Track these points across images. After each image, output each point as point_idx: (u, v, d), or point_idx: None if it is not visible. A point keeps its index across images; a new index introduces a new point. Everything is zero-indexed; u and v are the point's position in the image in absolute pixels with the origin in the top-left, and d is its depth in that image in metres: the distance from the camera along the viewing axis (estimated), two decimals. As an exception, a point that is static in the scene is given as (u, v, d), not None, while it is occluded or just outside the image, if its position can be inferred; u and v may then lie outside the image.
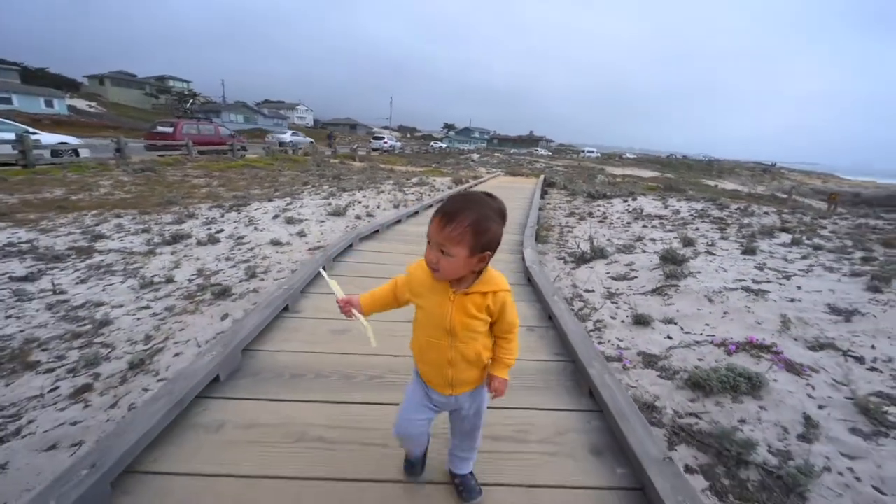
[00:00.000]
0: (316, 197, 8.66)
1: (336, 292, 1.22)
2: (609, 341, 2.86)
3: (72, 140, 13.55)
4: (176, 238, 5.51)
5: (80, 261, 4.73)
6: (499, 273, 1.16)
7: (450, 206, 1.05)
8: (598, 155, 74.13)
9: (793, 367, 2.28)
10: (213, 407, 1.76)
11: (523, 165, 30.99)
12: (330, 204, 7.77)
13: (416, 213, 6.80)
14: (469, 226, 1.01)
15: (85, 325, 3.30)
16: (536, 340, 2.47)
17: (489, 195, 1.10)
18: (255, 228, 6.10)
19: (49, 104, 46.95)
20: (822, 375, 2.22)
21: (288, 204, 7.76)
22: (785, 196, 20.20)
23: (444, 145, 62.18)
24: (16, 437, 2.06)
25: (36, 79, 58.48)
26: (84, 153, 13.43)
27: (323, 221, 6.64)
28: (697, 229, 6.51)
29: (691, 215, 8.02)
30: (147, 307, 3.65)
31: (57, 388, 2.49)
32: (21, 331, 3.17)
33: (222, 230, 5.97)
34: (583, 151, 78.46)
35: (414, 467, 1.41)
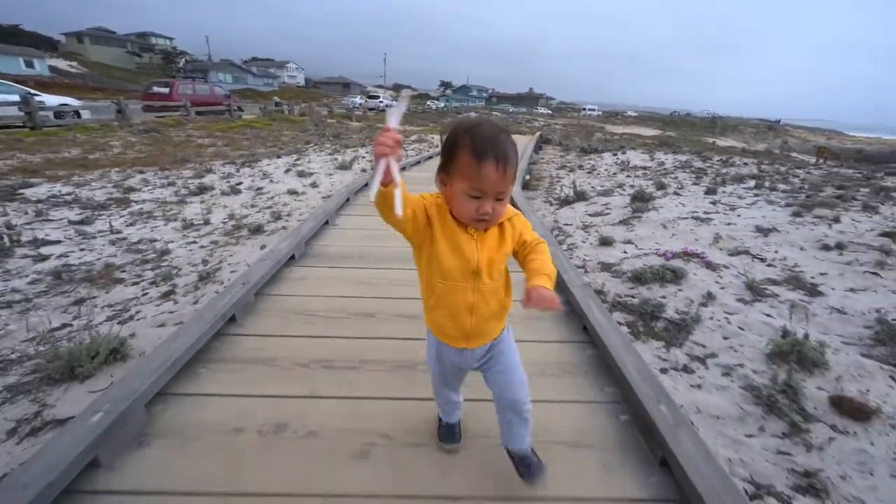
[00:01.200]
0: (321, 153, 9.17)
1: (393, 121, 0.85)
2: (578, 256, 3.60)
3: (73, 102, 13.74)
4: (201, 189, 6.11)
5: (121, 209, 5.36)
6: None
7: (500, 149, 0.92)
8: (600, 113, 73.00)
9: (711, 266, 3.03)
10: (231, 342, 2.11)
11: (521, 124, 30.91)
12: (336, 159, 8.31)
13: (419, 162, 7.47)
14: (516, 161, 0.96)
15: (148, 254, 4.00)
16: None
17: (484, 119, 1.07)
18: (271, 181, 6.69)
19: (29, 65, 45.35)
20: (731, 270, 2.97)
21: (296, 160, 8.29)
22: (777, 152, 20.60)
23: (441, 104, 60.95)
24: (133, 320, 2.80)
25: (9, 37, 55.81)
26: (85, 115, 13.65)
27: (331, 174, 7.23)
28: (676, 178, 7.13)
29: (674, 166, 8.61)
30: (194, 242, 4.34)
31: (147, 293, 3.22)
32: (98, 259, 3.86)
33: (241, 183, 6.57)
34: (584, 110, 77.09)
35: (452, 433, 1.38)
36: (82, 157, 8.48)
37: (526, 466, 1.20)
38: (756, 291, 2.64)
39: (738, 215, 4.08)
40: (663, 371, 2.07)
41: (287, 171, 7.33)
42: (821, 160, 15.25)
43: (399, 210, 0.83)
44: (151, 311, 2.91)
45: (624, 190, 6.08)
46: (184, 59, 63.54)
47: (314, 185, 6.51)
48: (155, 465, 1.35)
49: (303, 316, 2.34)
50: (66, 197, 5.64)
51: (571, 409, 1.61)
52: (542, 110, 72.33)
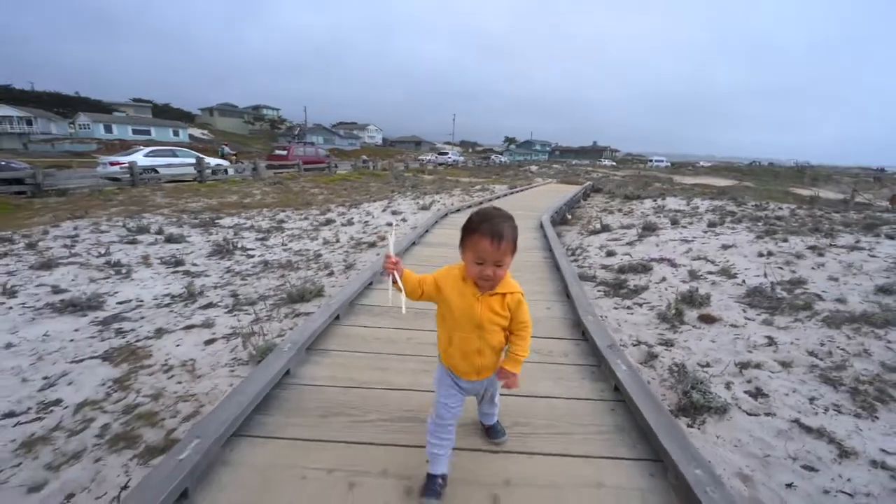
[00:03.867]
0: (406, 199, 11.72)
1: (389, 248, 1.37)
2: (587, 263, 5.26)
3: (223, 162, 18.23)
4: (327, 222, 8.69)
5: (280, 233, 7.99)
6: (513, 280, 1.39)
7: (495, 228, 1.25)
8: (668, 164, 71.60)
9: (674, 264, 4.55)
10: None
11: (580, 175, 32.51)
12: (417, 202, 10.74)
13: (481, 203, 9.56)
14: (512, 238, 1.28)
15: (308, 256, 6.35)
16: (540, 258, 4.91)
17: (496, 208, 1.36)
18: (373, 217, 9.16)
19: (176, 133, 56.95)
20: (686, 267, 4.47)
21: (388, 204, 10.86)
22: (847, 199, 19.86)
23: (504, 159, 64.67)
24: (329, 278, 4.96)
25: (163, 113, 71.14)
26: (231, 171, 17.98)
27: (415, 213, 9.56)
28: (696, 217, 8.39)
29: (705, 209, 9.77)
30: (334, 251, 6.65)
31: (318, 273, 5.44)
32: (280, 258, 6.27)
33: (353, 218, 9.10)
34: (650, 161, 76.34)
35: (433, 486, 1.45)
36: (240, 201, 11.80)
37: (493, 431, 1.70)
38: (693, 276, 4.12)
39: (717, 240, 5.45)
40: (615, 308, 3.71)
41: (383, 210, 9.82)
42: (891, 205, 15.03)
43: (404, 309, 1.34)
44: (323, 281, 5.09)
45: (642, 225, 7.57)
46: (285, 126, 75.43)
47: (404, 219, 8.83)
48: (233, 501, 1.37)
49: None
50: (244, 224, 8.48)
51: (603, 465, 1.58)
52: (606, 162, 73.03)
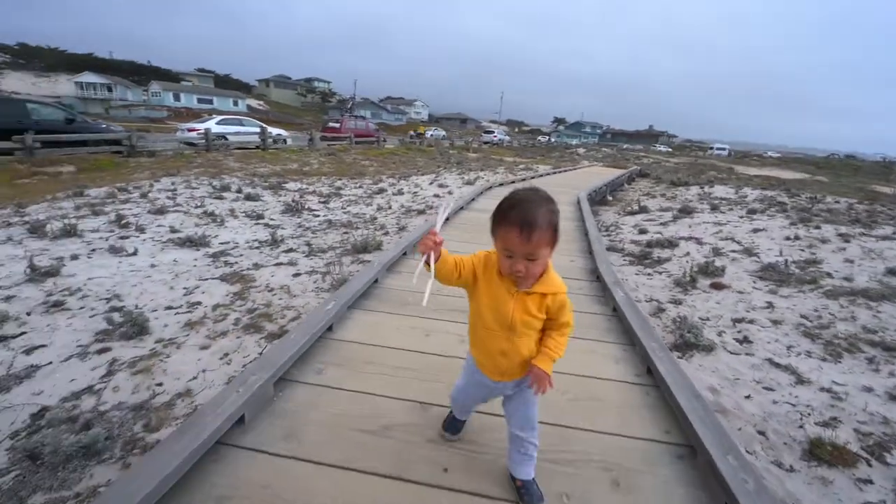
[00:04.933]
0: (452, 174, 12.33)
1: (438, 223, 1.20)
2: (618, 238, 5.70)
3: (283, 132, 19.57)
4: (380, 191, 9.51)
5: (339, 198, 8.89)
6: (558, 276, 1.19)
7: (524, 216, 1.05)
8: (730, 153, 66.80)
9: (700, 242, 4.92)
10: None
11: (629, 160, 31.50)
12: (463, 178, 11.33)
13: (524, 179, 10.05)
14: (548, 227, 1.06)
15: (365, 218, 7.18)
16: (573, 227, 5.40)
17: (534, 189, 1.14)
18: (421, 189, 9.87)
19: (235, 103, 59.96)
20: (710, 245, 4.83)
21: (435, 178, 11.53)
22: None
23: (552, 139, 63.21)
24: (385, 236, 5.77)
25: (223, 83, 74.90)
26: (290, 141, 19.28)
27: (461, 187, 10.18)
28: (743, 205, 8.40)
29: (754, 199, 9.66)
30: (387, 216, 7.45)
31: (376, 232, 6.25)
32: (339, 219, 7.14)
33: (403, 189, 9.86)
34: (711, 148, 71.60)
35: (455, 426, 1.57)
36: (300, 168, 12.89)
37: (527, 493, 1.34)
38: (716, 252, 4.49)
39: (750, 224, 5.67)
40: (636, 274, 4.21)
41: (430, 183, 10.51)
42: None
43: (425, 301, 1.12)
44: (381, 238, 5.88)
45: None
46: (336, 99, 77.40)
47: (450, 192, 9.49)
48: (282, 434, 1.57)
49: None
50: (307, 189, 9.46)
51: (635, 445, 1.59)
52: (661, 147, 69.35)
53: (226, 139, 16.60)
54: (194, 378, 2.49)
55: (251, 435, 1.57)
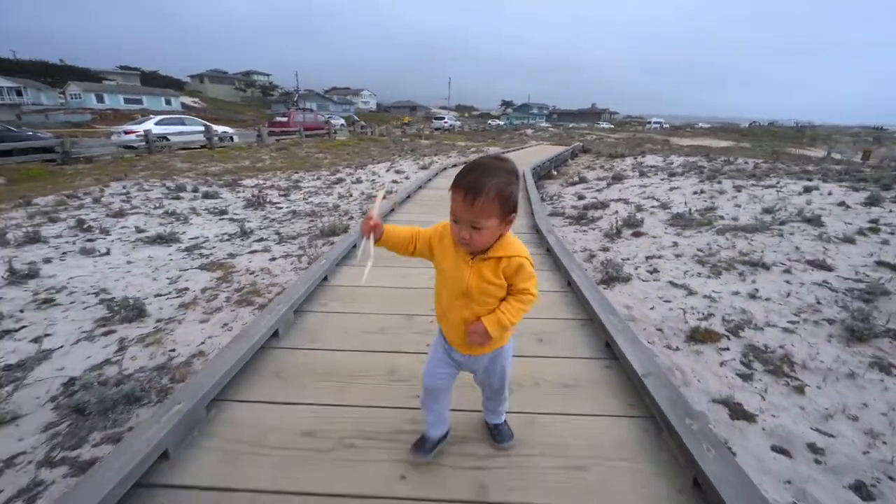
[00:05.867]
0: (407, 160, 12.72)
1: (374, 210, 1.18)
2: (560, 205, 6.45)
3: (229, 130, 18.95)
4: (338, 181, 9.77)
5: (299, 191, 9.08)
6: (516, 239, 1.16)
7: (471, 181, 1.03)
8: (666, 126, 71.37)
9: (627, 202, 5.74)
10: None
11: (574, 138, 33.09)
12: (418, 163, 11.76)
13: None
14: (496, 196, 1.02)
15: (328, 207, 7.49)
16: (520, 199, 6.10)
17: (499, 158, 1.11)
18: (379, 176, 10.22)
19: (168, 102, 56.13)
20: (635, 204, 5.67)
21: (391, 165, 11.88)
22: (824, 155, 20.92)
23: (501, 123, 64.33)
24: (350, 221, 6.15)
25: (151, 81, 69.51)
26: (237, 139, 18.73)
27: (416, 172, 10.63)
28: (667, 170, 9.50)
29: (679, 166, 10.86)
30: (349, 203, 7.79)
31: (340, 219, 6.60)
32: (302, 209, 7.41)
33: (361, 178, 10.16)
34: (649, 122, 75.95)
35: (424, 446, 1.40)
36: (253, 165, 12.76)
37: (498, 433, 1.47)
38: (639, 209, 5.32)
39: (669, 184, 6.62)
40: (574, 231, 4.93)
41: (387, 170, 10.88)
42: (864, 159, 16.21)
43: (364, 279, 1.21)
44: (348, 223, 6.27)
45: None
46: (278, 92, 74.22)
47: (407, 177, 9.92)
48: (213, 463, 1.36)
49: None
50: (265, 185, 9.54)
51: (598, 423, 1.57)
52: (604, 125, 72.68)
53: (167, 140, 15.91)
54: (203, 343, 2.87)
55: (177, 471, 1.36)
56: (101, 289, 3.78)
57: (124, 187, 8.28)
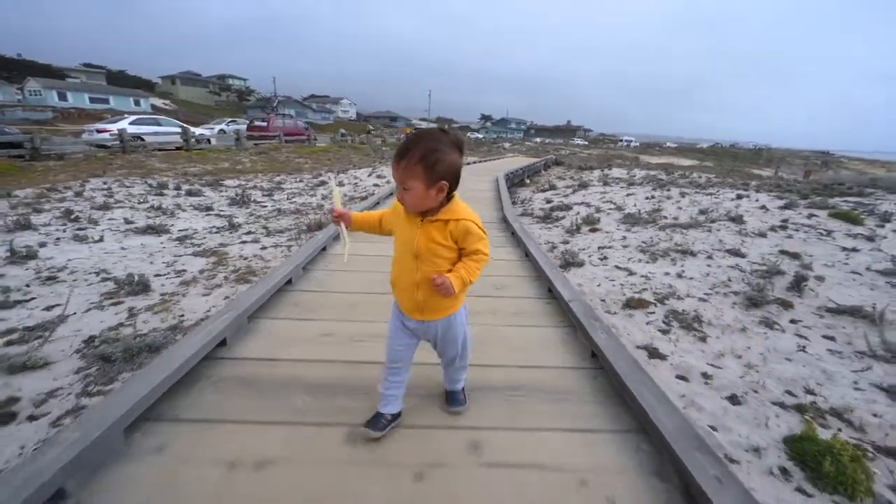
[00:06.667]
0: (387, 167, 13.18)
1: (335, 202, 1.35)
2: (530, 208, 7.07)
3: (206, 132, 18.90)
4: (321, 184, 10.12)
5: (282, 192, 9.38)
6: (466, 206, 1.25)
7: (402, 145, 1.14)
8: (637, 144, 74.89)
9: (588, 205, 6.41)
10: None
11: (548, 152, 34.49)
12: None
13: None
14: (419, 160, 1.10)
15: (312, 206, 7.85)
16: (492, 196, 6.66)
17: (443, 130, 1.19)
18: (361, 180, 10.64)
19: (137, 103, 54.57)
20: (594, 207, 6.34)
21: (372, 171, 12.31)
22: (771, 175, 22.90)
23: (480, 136, 65.87)
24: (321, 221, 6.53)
25: (118, 80, 67.40)
26: (214, 141, 18.70)
27: (396, 177, 11.13)
28: (629, 182, 10.37)
29: (641, 178, 11.80)
30: (332, 203, 8.17)
31: (325, 218, 6.98)
32: (287, 208, 7.74)
33: (343, 181, 10.55)
34: (621, 140, 79.53)
35: (378, 422, 1.40)
36: (233, 167, 12.91)
37: (451, 398, 1.55)
38: (598, 210, 5.99)
39: (626, 192, 7.38)
40: (540, 228, 5.52)
41: (369, 175, 11.31)
42: (805, 177, 17.95)
43: (345, 258, 1.44)
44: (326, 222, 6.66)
45: (584, 185, 9.47)
46: (254, 97, 73.42)
47: (388, 181, 10.38)
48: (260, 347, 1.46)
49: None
50: (247, 185, 9.79)
51: (534, 331, 2.14)
52: (579, 141, 75.61)
53: (142, 140, 15.79)
54: (208, 311, 3.22)
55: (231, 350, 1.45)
56: (102, 269, 4.04)
57: (105, 183, 8.36)
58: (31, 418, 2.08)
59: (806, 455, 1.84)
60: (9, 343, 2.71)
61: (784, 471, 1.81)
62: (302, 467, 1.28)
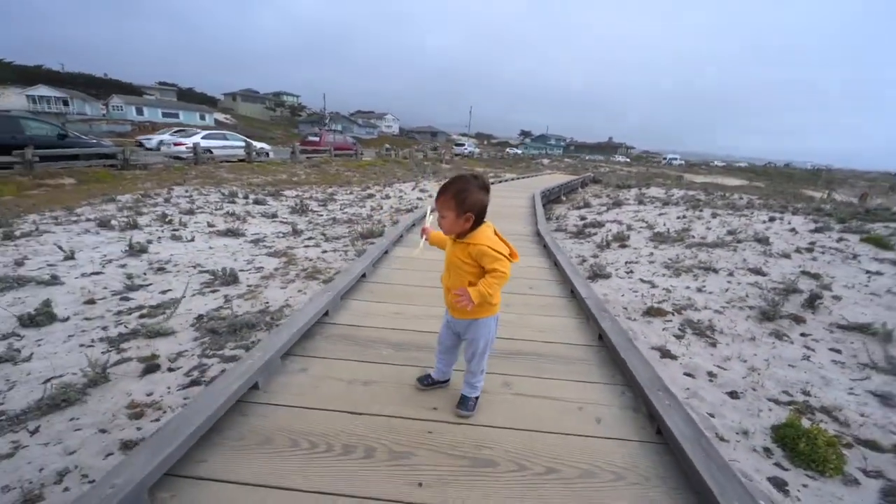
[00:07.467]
0: (430, 181, 13.95)
1: (427, 221, 1.83)
2: (564, 224, 7.46)
3: (266, 146, 20.65)
4: (369, 196, 10.97)
5: (334, 203, 10.28)
6: (489, 233, 1.59)
7: (442, 185, 1.55)
8: (681, 162, 72.53)
9: (620, 223, 6.73)
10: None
11: (588, 169, 34.34)
12: (440, 184, 12.99)
13: (493, 183, 11.90)
14: (452, 196, 1.52)
15: (363, 216, 8.62)
16: (527, 212, 7.10)
17: (475, 175, 1.59)
18: (405, 194, 11.42)
19: (202, 118, 59.50)
20: (626, 224, 6.64)
21: (416, 185, 13.11)
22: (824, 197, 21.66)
23: (518, 151, 66.34)
24: (384, 227, 7.25)
25: (187, 97, 73.90)
26: (272, 154, 20.37)
27: (438, 192, 11.83)
28: (667, 202, 10.47)
29: (679, 197, 11.81)
30: (381, 214, 8.92)
31: (375, 227, 7.70)
32: (340, 217, 8.56)
33: (389, 194, 11.37)
34: (665, 158, 77.30)
35: (425, 379, 1.99)
36: (290, 179, 14.13)
37: (461, 403, 1.82)
38: (629, 228, 6.30)
39: (659, 211, 7.59)
40: (573, 243, 5.92)
41: (412, 189, 12.08)
42: (861, 201, 16.98)
43: (416, 252, 1.92)
44: (382, 229, 7.35)
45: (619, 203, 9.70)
46: (305, 113, 78.08)
47: (431, 196, 11.08)
48: (295, 390, 1.79)
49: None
50: (304, 196, 10.80)
51: (552, 320, 2.69)
52: (620, 158, 74.23)
53: (211, 153, 17.56)
54: (287, 301, 3.91)
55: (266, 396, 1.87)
56: (197, 263, 4.89)
57: (186, 191, 9.60)
58: (170, 370, 2.79)
59: (787, 438, 2.19)
60: (142, 316, 3.50)
61: (766, 450, 2.16)
62: (389, 387, 2.01)
